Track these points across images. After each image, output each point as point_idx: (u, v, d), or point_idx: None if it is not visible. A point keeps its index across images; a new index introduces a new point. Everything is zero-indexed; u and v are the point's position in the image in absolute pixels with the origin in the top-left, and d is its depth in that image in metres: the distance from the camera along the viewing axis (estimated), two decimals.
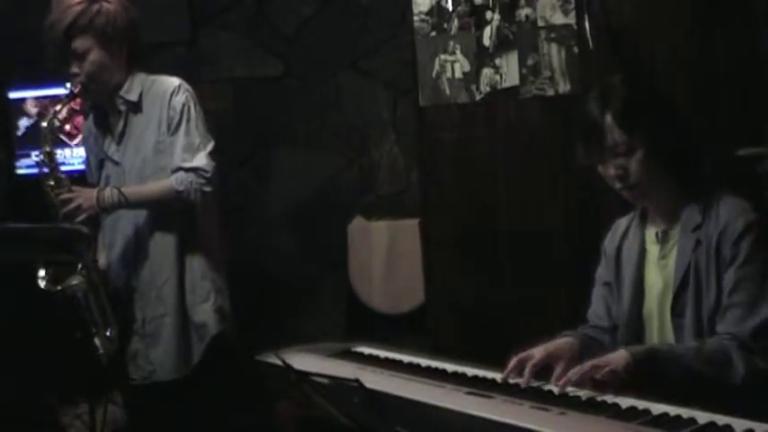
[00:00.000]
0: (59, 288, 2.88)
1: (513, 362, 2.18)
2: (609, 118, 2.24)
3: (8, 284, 3.42)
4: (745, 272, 2.18)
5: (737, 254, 2.19)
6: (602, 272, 2.49)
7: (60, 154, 4.41)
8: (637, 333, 2.36)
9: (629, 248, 2.41)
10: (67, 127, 4.31)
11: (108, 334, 2.92)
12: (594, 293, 2.50)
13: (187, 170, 2.91)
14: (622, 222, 2.48)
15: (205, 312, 3.01)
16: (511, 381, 2.16)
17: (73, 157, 4.48)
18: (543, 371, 2.18)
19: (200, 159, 2.92)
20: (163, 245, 2.99)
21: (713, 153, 2.51)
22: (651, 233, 2.38)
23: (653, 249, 2.37)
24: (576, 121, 2.39)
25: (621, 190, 2.31)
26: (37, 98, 4.56)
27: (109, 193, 2.92)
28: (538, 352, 2.19)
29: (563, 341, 2.29)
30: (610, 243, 2.48)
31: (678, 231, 2.31)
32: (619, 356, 2.09)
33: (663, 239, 2.34)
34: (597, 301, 2.48)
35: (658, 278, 2.34)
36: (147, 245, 3.00)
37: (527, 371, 2.13)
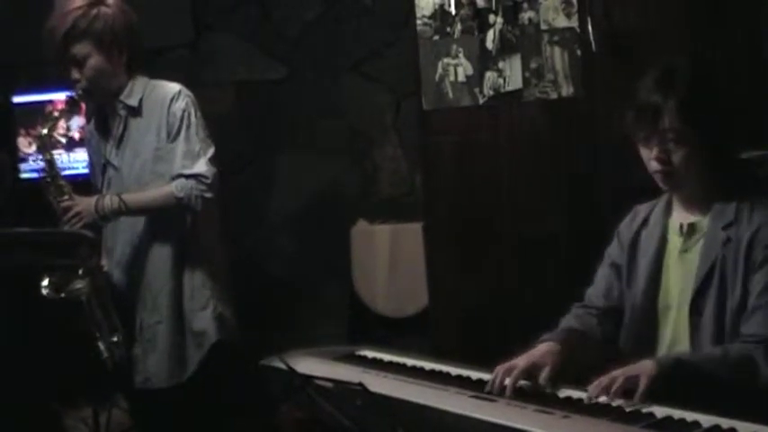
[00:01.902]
0: (62, 295, 2.89)
1: (495, 376, 2.14)
2: (672, 103, 2.19)
3: (12, 288, 3.42)
4: None
5: None
6: (613, 252, 2.44)
7: (66, 158, 4.44)
8: (649, 325, 2.32)
9: (649, 236, 2.36)
10: (77, 135, 4.32)
11: (114, 338, 2.92)
12: (600, 272, 2.46)
13: (187, 177, 2.90)
14: (642, 209, 2.43)
15: (204, 320, 3.00)
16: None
17: (76, 161, 4.49)
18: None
19: (201, 166, 2.92)
20: (160, 252, 2.98)
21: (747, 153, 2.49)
22: (675, 223, 2.33)
23: (675, 240, 2.32)
24: (633, 92, 2.29)
25: (657, 173, 2.26)
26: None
27: (109, 201, 2.91)
28: (520, 364, 2.15)
29: (544, 347, 2.25)
30: (626, 228, 2.43)
31: (706, 226, 2.26)
32: (645, 367, 2.04)
33: (688, 232, 2.29)
34: (600, 281, 2.45)
35: (678, 272, 2.29)
36: (146, 251, 2.99)
37: (509, 384, 2.10)
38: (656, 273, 2.33)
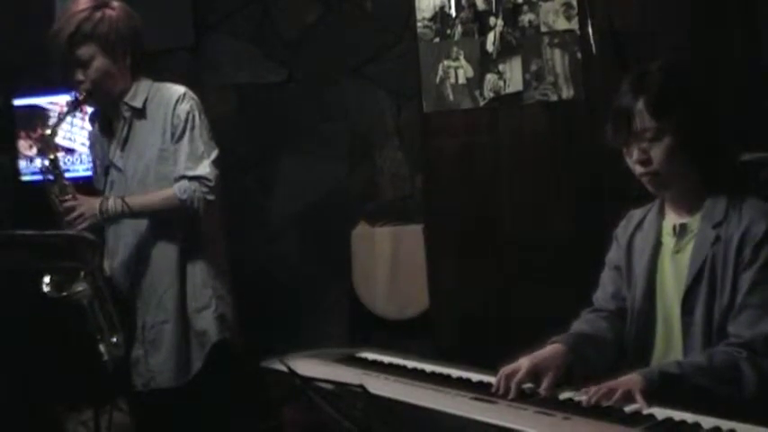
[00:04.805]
0: (64, 294, 2.89)
1: (499, 378, 2.15)
2: (641, 103, 2.22)
3: (13, 290, 3.43)
4: (763, 275, 2.15)
5: (758, 256, 2.16)
6: (613, 256, 2.47)
7: (69, 160, 4.45)
8: (648, 327, 2.34)
9: (644, 239, 2.38)
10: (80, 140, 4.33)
11: (114, 340, 2.92)
12: (604, 276, 2.48)
13: (190, 179, 2.91)
14: (637, 213, 2.45)
15: (206, 320, 3.01)
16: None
17: (80, 162, 4.49)
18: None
19: (204, 168, 2.93)
20: (164, 252, 2.99)
21: (738, 151, 2.49)
22: (668, 225, 2.35)
23: (668, 242, 2.34)
24: (611, 102, 2.34)
25: (643, 176, 2.28)
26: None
27: (112, 203, 2.92)
28: (524, 366, 2.16)
29: (550, 349, 2.26)
30: (623, 231, 2.46)
31: (697, 225, 2.28)
32: (633, 381, 2.05)
33: (680, 232, 2.31)
34: (606, 284, 2.47)
35: (671, 272, 2.31)
36: (149, 252, 3.00)
37: (512, 389, 2.11)
38: (652, 274, 2.34)
